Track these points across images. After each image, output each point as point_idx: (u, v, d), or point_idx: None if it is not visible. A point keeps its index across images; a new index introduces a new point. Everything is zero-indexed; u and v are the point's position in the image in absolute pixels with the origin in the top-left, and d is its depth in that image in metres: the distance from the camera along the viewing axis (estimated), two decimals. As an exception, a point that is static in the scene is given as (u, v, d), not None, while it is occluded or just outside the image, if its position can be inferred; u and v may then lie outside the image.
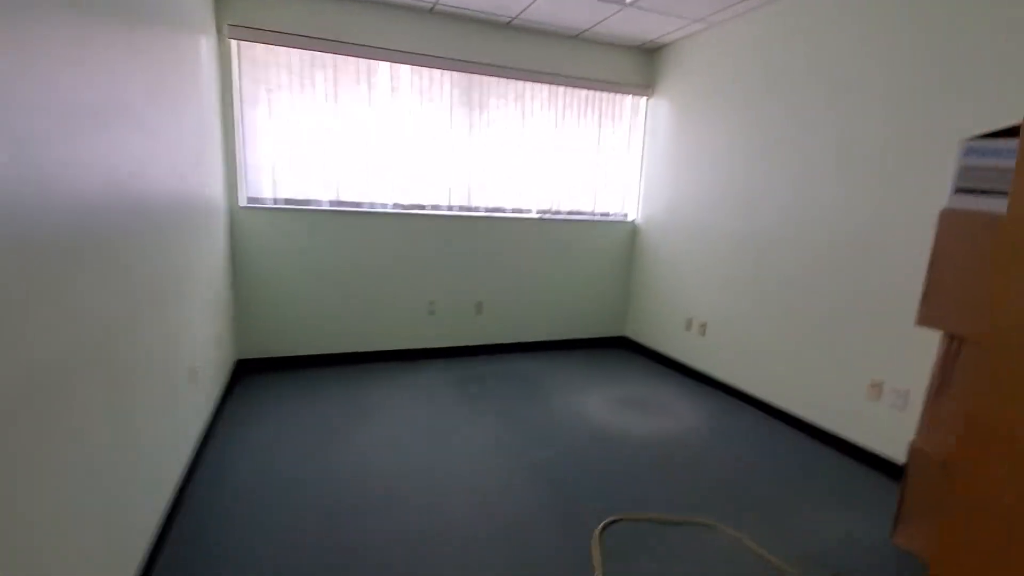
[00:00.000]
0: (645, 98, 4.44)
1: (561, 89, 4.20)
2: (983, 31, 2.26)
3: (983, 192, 1.85)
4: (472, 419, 3.10)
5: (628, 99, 4.43)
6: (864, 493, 2.46)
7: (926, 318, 2.00)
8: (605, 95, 4.35)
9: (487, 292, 4.22)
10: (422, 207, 4.00)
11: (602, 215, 4.53)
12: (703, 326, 3.79)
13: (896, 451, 2.57)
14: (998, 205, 1.81)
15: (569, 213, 4.42)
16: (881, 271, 2.63)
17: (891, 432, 2.60)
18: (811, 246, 2.99)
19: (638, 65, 4.33)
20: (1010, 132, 1.89)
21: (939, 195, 2.39)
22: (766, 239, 3.26)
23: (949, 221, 1.92)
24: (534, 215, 4.30)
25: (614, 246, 4.55)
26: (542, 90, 4.16)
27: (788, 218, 3.12)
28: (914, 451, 2.02)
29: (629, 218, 4.62)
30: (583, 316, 4.56)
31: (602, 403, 3.40)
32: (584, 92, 4.27)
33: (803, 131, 3.02)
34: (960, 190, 1.91)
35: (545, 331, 4.46)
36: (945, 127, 2.38)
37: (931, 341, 2.41)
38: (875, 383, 2.66)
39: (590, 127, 4.36)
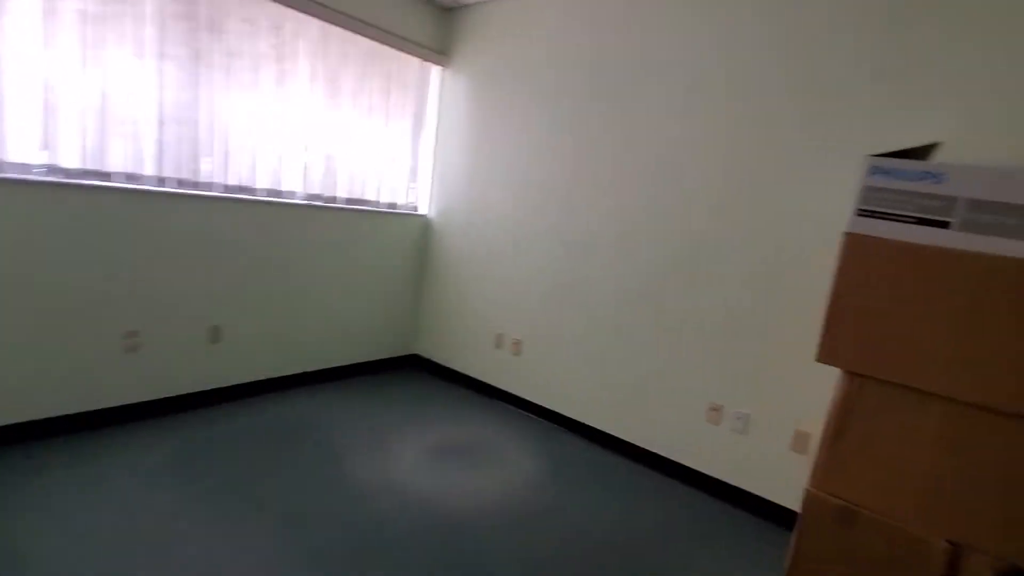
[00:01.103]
0: (440, 68, 3.66)
1: (336, 31, 3.10)
2: (834, 28, 2.22)
3: (887, 216, 1.70)
4: (214, 537, 1.88)
5: (419, 64, 3.58)
6: (733, 534, 2.28)
7: (828, 355, 1.80)
8: (392, 53, 3.41)
9: (227, 310, 2.86)
10: (107, 176, 2.42)
11: (388, 206, 3.60)
12: (517, 344, 3.28)
13: (741, 478, 2.47)
14: (904, 232, 1.68)
15: (348, 201, 3.36)
16: (716, 287, 2.49)
17: (734, 457, 2.49)
18: (646, 256, 2.72)
19: (433, 24, 3.52)
20: (912, 152, 1.79)
21: (782, 206, 2.31)
22: (596, 245, 2.90)
23: (853, 248, 1.74)
24: (299, 200, 3.10)
25: (402, 245, 3.68)
26: (309, 26, 2.98)
27: (620, 223, 2.80)
28: (809, 499, 1.82)
29: (421, 211, 3.80)
30: (364, 334, 3.57)
31: (416, 458, 2.56)
32: (366, 43, 3.25)
33: (640, 127, 2.71)
34: (863, 212, 1.73)
35: (315, 358, 3.32)
36: (794, 131, 2.30)
37: (770, 363, 2.35)
38: (714, 407, 2.52)
39: (375, 93, 3.37)
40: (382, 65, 3.35)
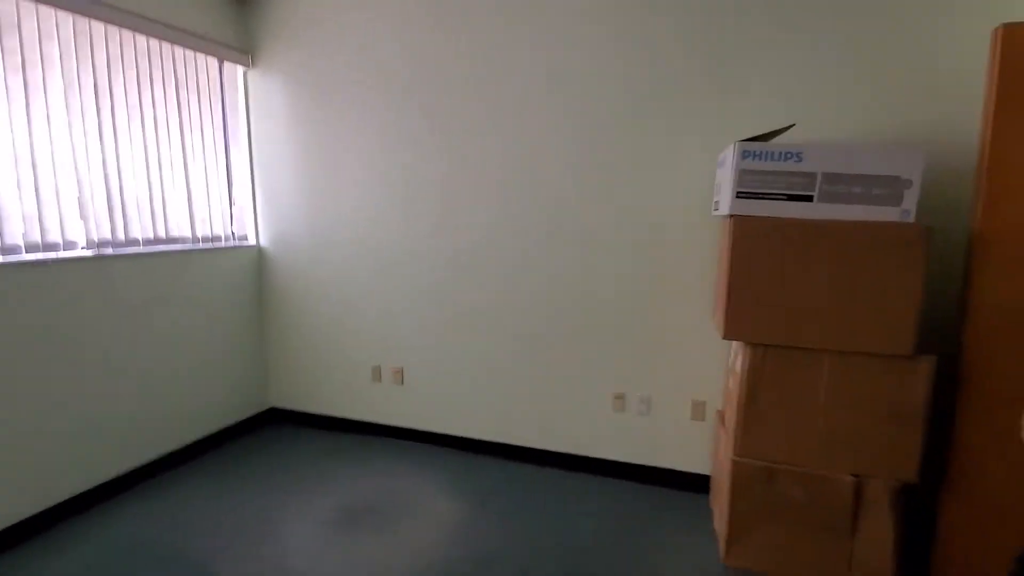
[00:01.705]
0: (244, 68, 3.08)
1: (100, 28, 2.37)
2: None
3: (762, 196, 1.84)
4: None
5: (217, 65, 2.96)
6: (665, 509, 2.33)
7: (733, 332, 1.90)
8: (182, 54, 2.76)
9: (-6, 421, 2.03)
10: None
11: (205, 240, 2.94)
12: (399, 373, 2.96)
13: (654, 457, 2.56)
14: (778, 209, 1.83)
15: (150, 242, 2.64)
16: (606, 281, 2.52)
17: (644, 438, 2.57)
18: (534, 260, 2.64)
19: (229, 16, 2.93)
20: (772, 135, 1.94)
21: (659, 195, 2.40)
22: (480, 254, 2.72)
23: (739, 229, 1.85)
24: (81, 252, 2.34)
25: (232, 284, 3.05)
26: (61, 23, 2.23)
27: (503, 228, 2.67)
28: (737, 466, 1.93)
29: (250, 241, 3.19)
30: (202, 400, 2.88)
31: (313, 538, 2.13)
32: (145, 42, 2.57)
33: (502, 125, 2.59)
34: (741, 194, 1.85)
35: (140, 449, 2.58)
36: (659, 124, 2.39)
37: (663, 344, 2.45)
38: (618, 395, 2.57)
39: (165, 103, 2.69)
40: (170, 69, 2.67)
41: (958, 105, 2.00)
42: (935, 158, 2.03)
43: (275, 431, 3.17)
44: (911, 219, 1.73)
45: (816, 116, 2.15)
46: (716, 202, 2.15)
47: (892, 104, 2.08)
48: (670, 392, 2.50)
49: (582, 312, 2.58)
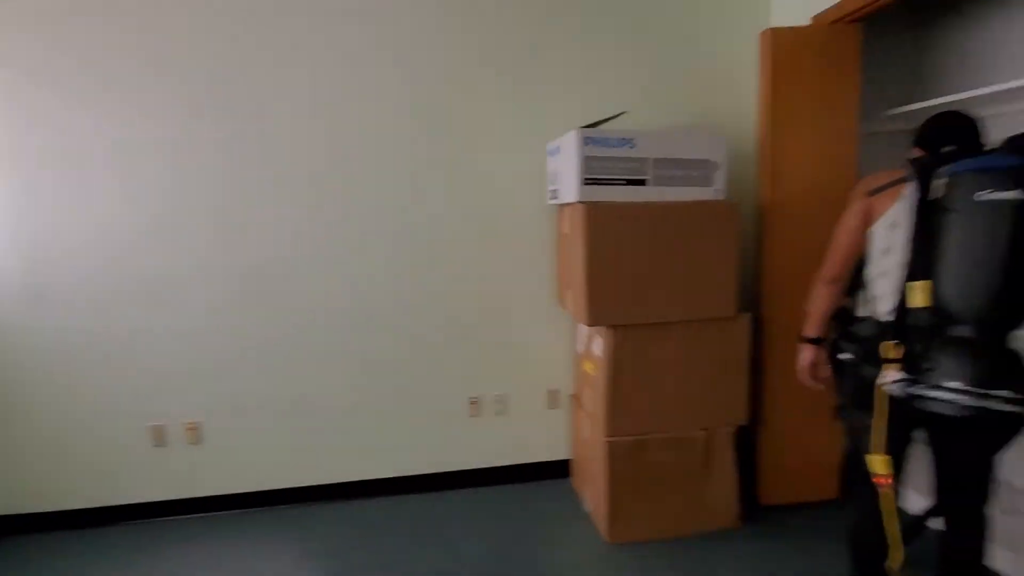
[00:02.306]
0: None
1: None
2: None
3: (604, 182, 1.87)
4: None
5: None
6: (540, 505, 2.26)
7: (595, 319, 1.91)
8: None
9: None
10: None
11: None
12: (194, 429, 2.31)
13: (517, 454, 2.50)
14: (619, 194, 1.89)
15: None
16: (444, 285, 2.34)
17: (505, 438, 2.48)
18: (358, 269, 2.29)
19: None
20: (605, 122, 1.97)
21: (491, 189, 2.30)
22: (285, 269, 2.25)
23: (593, 216, 1.85)
24: None
25: None
26: None
27: (312, 237, 2.25)
28: (611, 446, 1.97)
29: (-99, 284, 2.09)
30: None
31: None
32: None
33: (315, 107, 2.17)
34: (588, 181, 1.86)
35: None
36: (486, 111, 2.26)
37: (512, 340, 2.40)
38: (473, 400, 2.43)
39: None
40: None
41: (736, 98, 2.35)
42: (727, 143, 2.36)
43: (9, 549, 2.17)
44: (722, 197, 1.97)
45: (625, 104, 2.29)
46: (554, 190, 2.15)
47: (688, 95, 2.35)
48: (524, 386, 2.46)
49: (421, 321, 2.35)
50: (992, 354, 1.13)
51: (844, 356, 1.49)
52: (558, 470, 2.52)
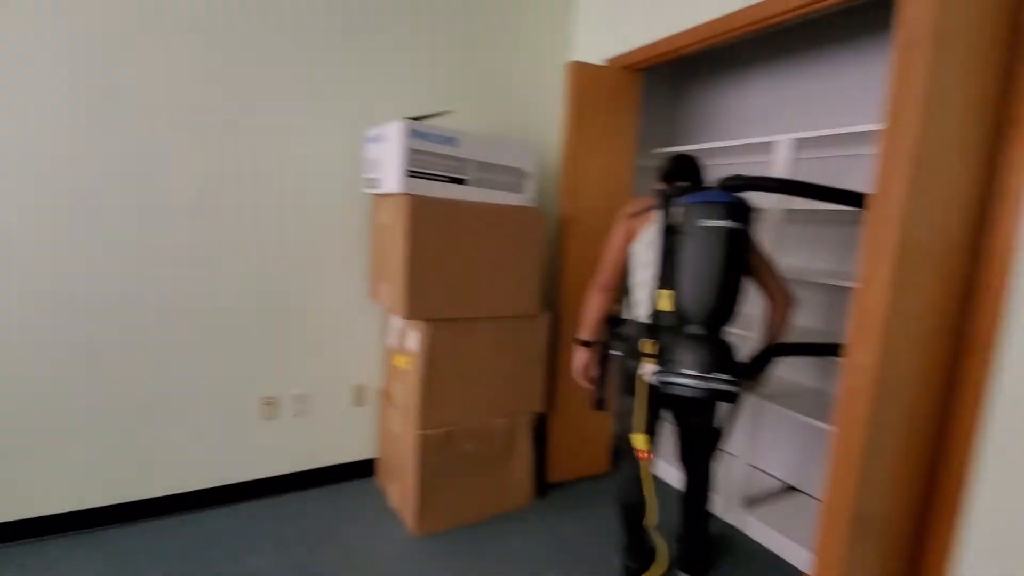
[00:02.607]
0: None
1: None
2: None
3: (428, 176, 1.89)
4: None
5: None
6: (348, 511, 2.12)
7: (414, 312, 1.90)
8: None
9: None
10: None
11: None
12: None
13: (321, 456, 2.33)
14: (441, 190, 1.92)
15: None
16: (233, 279, 2.07)
17: (307, 440, 2.30)
18: (136, 267, 1.88)
19: None
20: (426, 117, 1.97)
21: (296, 175, 2.12)
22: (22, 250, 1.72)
23: (416, 209, 1.84)
24: None
25: None
26: None
27: (49, 213, 1.77)
28: (423, 439, 1.98)
29: None
30: None
31: None
32: None
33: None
34: (411, 173, 1.85)
35: None
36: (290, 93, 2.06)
37: (314, 334, 2.25)
38: (268, 400, 2.20)
39: None
40: None
41: (544, 120, 2.59)
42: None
43: None
44: (531, 204, 2.15)
45: (444, 106, 2.35)
46: (372, 178, 2.08)
47: (503, 112, 2.51)
48: (328, 383, 2.31)
49: (206, 317, 2.03)
50: (713, 347, 1.46)
51: (614, 352, 1.77)
52: (365, 469, 2.43)
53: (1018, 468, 1.18)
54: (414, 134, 1.82)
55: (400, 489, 2.13)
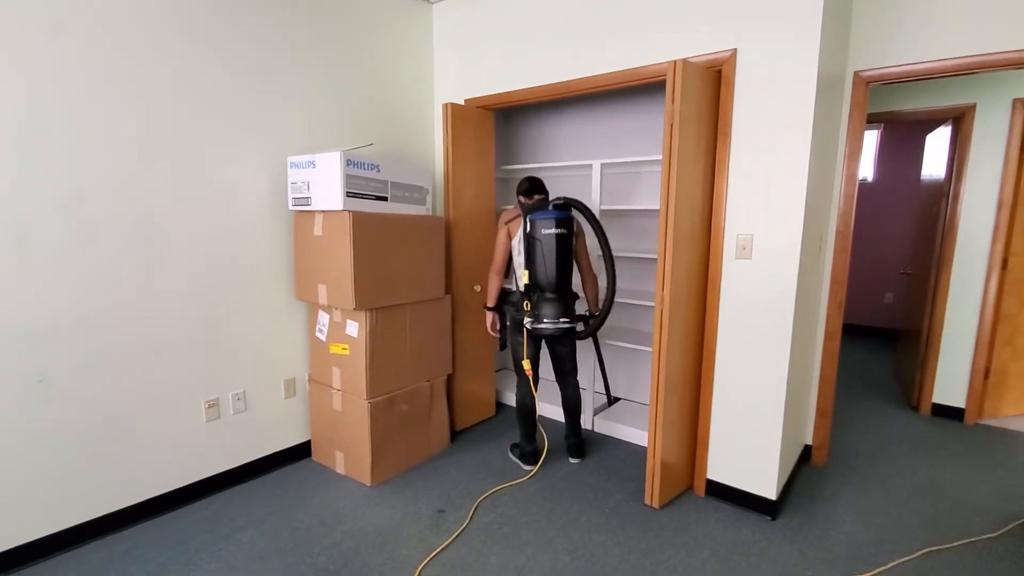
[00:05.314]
0: None
1: None
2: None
3: (361, 196, 2.38)
4: None
5: None
6: (296, 491, 2.44)
7: (360, 304, 2.37)
8: None
9: None
10: None
11: None
12: None
13: (264, 446, 2.60)
14: (371, 206, 2.42)
15: None
16: (170, 295, 2.26)
17: (249, 434, 2.55)
18: (68, 283, 1.96)
19: None
20: (353, 150, 2.43)
21: (223, 196, 2.38)
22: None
23: (358, 223, 2.31)
24: None
25: None
26: None
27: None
28: (372, 407, 2.47)
29: None
30: None
31: None
32: None
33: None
34: (350, 194, 2.32)
35: None
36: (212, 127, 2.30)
37: (247, 336, 2.53)
38: (211, 403, 2.42)
39: None
40: None
41: (427, 146, 3.19)
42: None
43: None
44: (432, 213, 2.78)
45: (338, 140, 2.80)
46: (301, 198, 2.47)
47: (397, 139, 3.05)
48: (263, 380, 2.60)
49: (150, 331, 2.18)
50: (560, 304, 2.42)
51: (508, 311, 2.65)
52: (301, 452, 2.77)
53: (735, 344, 2.30)
54: (349, 163, 2.30)
55: (352, 453, 2.58)
